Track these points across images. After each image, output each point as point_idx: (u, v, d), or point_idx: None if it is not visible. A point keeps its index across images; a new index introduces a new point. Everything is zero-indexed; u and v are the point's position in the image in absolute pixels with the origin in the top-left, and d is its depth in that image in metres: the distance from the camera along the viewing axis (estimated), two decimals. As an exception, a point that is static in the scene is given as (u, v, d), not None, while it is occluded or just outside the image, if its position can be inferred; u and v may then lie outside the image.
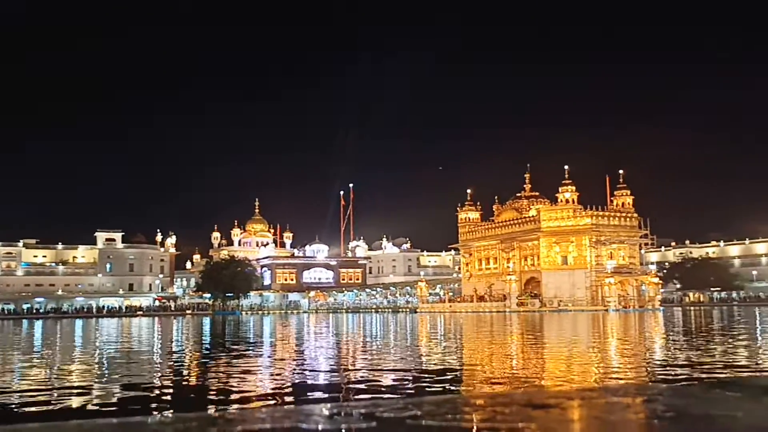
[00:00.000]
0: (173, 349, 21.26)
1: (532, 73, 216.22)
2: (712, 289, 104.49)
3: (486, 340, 23.50)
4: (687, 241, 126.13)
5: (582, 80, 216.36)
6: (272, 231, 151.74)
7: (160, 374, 13.05)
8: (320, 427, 1.66)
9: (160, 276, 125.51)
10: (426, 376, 11.52)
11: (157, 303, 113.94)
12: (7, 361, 17.19)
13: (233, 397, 9.34)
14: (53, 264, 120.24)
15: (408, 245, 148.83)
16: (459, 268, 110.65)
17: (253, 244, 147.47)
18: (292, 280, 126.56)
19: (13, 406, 8.59)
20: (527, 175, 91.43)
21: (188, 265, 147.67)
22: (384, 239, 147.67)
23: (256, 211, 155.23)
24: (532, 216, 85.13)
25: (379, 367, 13.13)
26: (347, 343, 22.70)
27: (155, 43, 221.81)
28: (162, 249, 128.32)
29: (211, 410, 7.77)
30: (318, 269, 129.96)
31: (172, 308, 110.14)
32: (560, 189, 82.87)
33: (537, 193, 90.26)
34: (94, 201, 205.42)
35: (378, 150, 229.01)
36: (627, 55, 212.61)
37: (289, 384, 10.87)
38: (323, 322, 48.75)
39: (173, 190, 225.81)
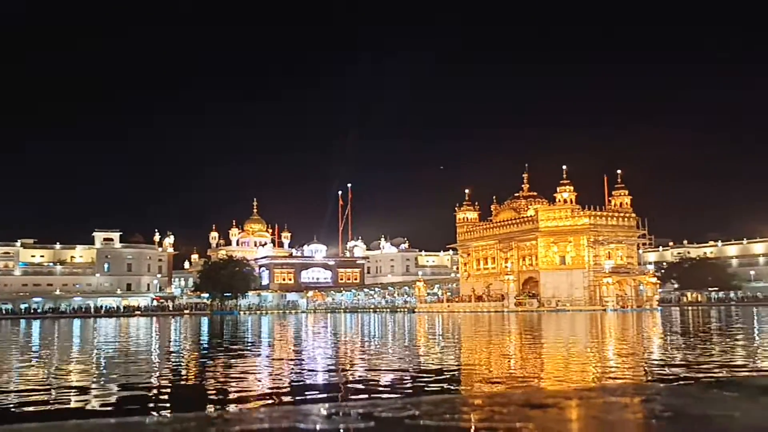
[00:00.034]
0: (171, 349, 21.24)
1: (532, 73, 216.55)
2: (709, 289, 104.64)
3: (484, 340, 23.51)
4: (685, 241, 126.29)
5: (582, 80, 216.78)
6: (270, 231, 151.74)
7: (158, 374, 13.04)
8: (318, 427, 1.66)
9: (158, 276, 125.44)
10: (424, 376, 11.52)
11: (155, 303, 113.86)
12: (5, 361, 17.16)
13: (231, 397, 9.33)
14: (51, 264, 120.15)
15: (406, 245, 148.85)
16: (457, 268, 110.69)
17: (251, 243, 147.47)
18: (290, 280, 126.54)
19: (11, 406, 8.58)
20: (525, 175, 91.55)
21: (186, 265, 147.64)
22: (382, 239, 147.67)
23: (254, 210, 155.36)
24: (530, 216, 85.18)
25: (377, 367, 13.13)
26: (345, 343, 22.70)
27: (155, 43, 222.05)
28: (160, 249, 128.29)
29: (210, 410, 7.77)
30: (316, 269, 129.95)
31: (170, 308, 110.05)
32: (558, 189, 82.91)
33: (535, 193, 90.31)
34: (94, 201, 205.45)
35: (378, 150, 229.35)
36: (627, 55, 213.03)
37: (287, 384, 10.87)
38: (321, 322, 48.74)
39: (173, 190, 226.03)
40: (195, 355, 18.38)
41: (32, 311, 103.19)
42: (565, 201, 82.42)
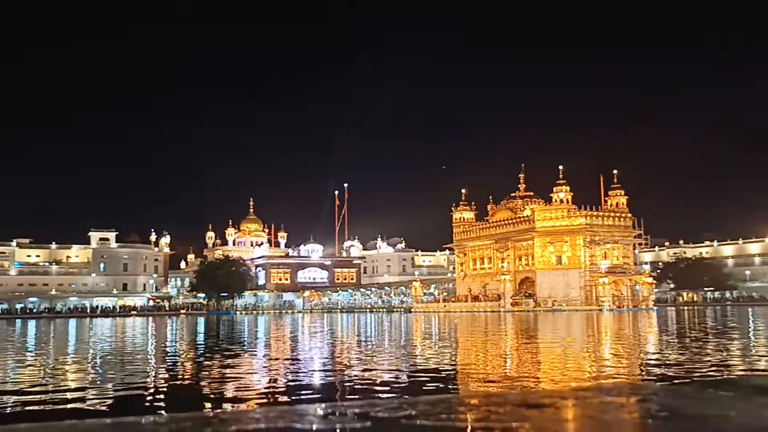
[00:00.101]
0: (167, 349, 21.21)
1: (532, 73, 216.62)
2: (705, 289, 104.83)
3: (480, 339, 23.53)
4: (681, 241, 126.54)
5: (582, 80, 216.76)
6: (267, 231, 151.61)
7: (154, 374, 13.02)
8: (315, 427, 1.66)
9: (155, 276, 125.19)
10: (420, 375, 11.52)
11: (151, 303, 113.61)
12: (0, 362, 17.11)
13: (227, 397, 9.33)
14: (47, 264, 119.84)
15: (402, 245, 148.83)
16: (453, 268, 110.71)
17: (248, 243, 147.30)
18: (286, 279, 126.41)
19: (6, 406, 8.55)
20: (521, 175, 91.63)
21: (182, 264, 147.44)
22: (379, 239, 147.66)
23: (251, 210, 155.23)
24: (527, 216, 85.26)
25: (374, 367, 13.13)
26: (342, 343, 22.69)
27: (155, 43, 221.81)
28: (156, 249, 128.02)
29: (206, 410, 7.76)
30: (312, 269, 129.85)
31: (167, 308, 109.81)
32: (554, 189, 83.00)
33: (531, 193, 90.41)
34: (94, 201, 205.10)
35: (378, 150, 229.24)
36: (627, 55, 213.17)
37: (283, 384, 10.86)
38: (318, 322, 48.72)
39: (173, 190, 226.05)
40: (191, 355, 18.35)
41: (28, 311, 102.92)
42: (561, 201, 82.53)
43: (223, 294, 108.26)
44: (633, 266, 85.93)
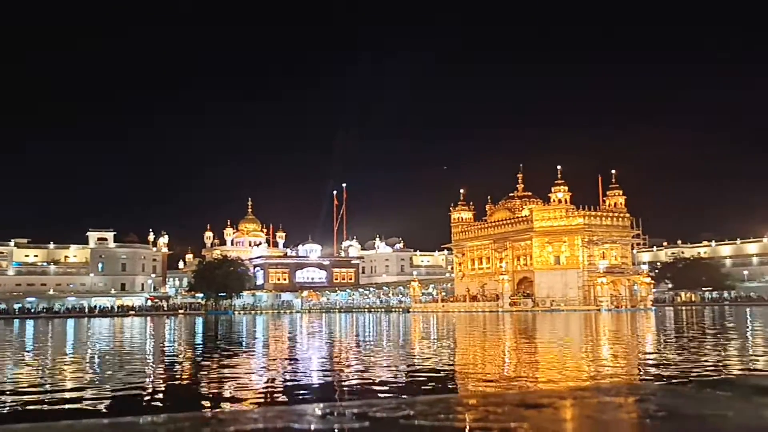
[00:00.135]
0: (165, 349, 21.20)
1: (532, 73, 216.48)
2: (703, 288, 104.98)
3: (478, 339, 23.53)
4: (679, 241, 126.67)
5: (582, 80, 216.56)
6: (265, 231, 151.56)
7: (152, 374, 13.01)
8: (313, 427, 1.66)
9: (153, 276, 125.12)
10: (418, 375, 11.52)
11: (149, 303, 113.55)
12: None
13: (226, 397, 9.32)
14: (45, 263, 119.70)
15: (401, 245, 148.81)
16: (452, 268, 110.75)
17: (246, 243, 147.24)
18: (284, 279, 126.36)
19: (4, 406, 8.54)
20: (520, 175, 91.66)
21: (181, 264, 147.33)
22: (377, 239, 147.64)
23: (249, 210, 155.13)
24: (525, 216, 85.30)
25: (372, 367, 13.13)
26: (340, 343, 22.69)
27: (155, 43, 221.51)
28: (154, 248, 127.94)
29: (204, 410, 7.75)
30: (311, 269, 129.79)
31: (165, 308, 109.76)
32: (553, 189, 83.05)
33: (530, 193, 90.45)
34: (94, 201, 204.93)
35: (378, 150, 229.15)
36: (627, 55, 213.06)
37: (281, 384, 10.86)
38: (316, 322, 48.71)
39: (173, 190, 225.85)
40: (189, 355, 18.34)
41: (26, 311, 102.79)
42: (559, 201, 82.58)
43: (222, 294, 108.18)
44: (631, 266, 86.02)
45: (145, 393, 9.87)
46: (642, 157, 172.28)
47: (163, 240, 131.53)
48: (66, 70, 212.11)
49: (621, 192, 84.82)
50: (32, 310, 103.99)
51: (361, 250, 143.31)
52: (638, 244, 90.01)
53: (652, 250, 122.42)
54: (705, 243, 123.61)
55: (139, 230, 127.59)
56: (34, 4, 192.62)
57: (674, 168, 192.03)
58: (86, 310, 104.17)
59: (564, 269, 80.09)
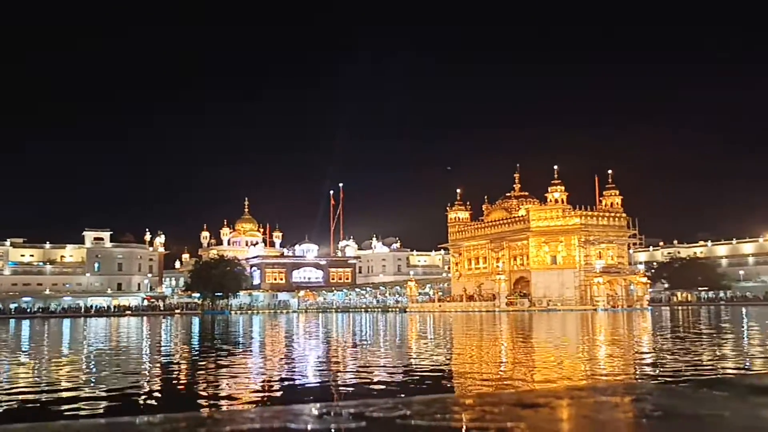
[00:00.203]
0: (161, 349, 21.17)
1: (532, 73, 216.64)
2: (699, 288, 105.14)
3: (475, 339, 23.55)
4: (675, 241, 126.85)
5: (582, 80, 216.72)
6: (262, 230, 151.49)
7: (148, 374, 12.99)
8: (310, 426, 1.66)
9: (149, 275, 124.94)
10: (415, 375, 11.52)
11: (145, 302, 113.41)
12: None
13: (222, 396, 9.31)
14: (41, 263, 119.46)
15: (398, 245, 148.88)
16: (448, 268, 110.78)
17: (243, 243, 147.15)
18: (281, 279, 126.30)
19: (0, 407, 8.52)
20: (516, 175, 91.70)
21: (177, 264, 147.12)
22: (374, 239, 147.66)
23: (246, 210, 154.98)
24: (522, 216, 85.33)
25: (369, 367, 13.13)
26: (337, 343, 22.70)
27: (155, 43, 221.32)
28: (151, 248, 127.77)
29: (200, 410, 7.74)
30: (307, 269, 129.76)
31: (161, 308, 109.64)
32: (549, 189, 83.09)
33: (526, 193, 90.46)
34: (94, 201, 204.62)
35: (377, 150, 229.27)
36: (627, 55, 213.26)
37: (278, 384, 10.85)
38: (312, 321, 48.69)
39: (173, 190, 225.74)
40: (185, 355, 18.32)
41: (22, 311, 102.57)
42: (556, 201, 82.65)
43: (218, 294, 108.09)
44: (627, 266, 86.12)
45: (141, 393, 9.85)
46: (640, 157, 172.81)
47: (160, 240, 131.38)
48: (66, 70, 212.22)
49: (617, 192, 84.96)
50: (28, 310, 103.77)
51: (358, 249, 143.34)
52: (635, 243, 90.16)
53: (649, 250, 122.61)
54: (701, 243, 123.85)
55: (137, 230, 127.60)
56: (34, 4, 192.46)
57: (671, 168, 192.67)
58: (82, 310, 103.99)
59: (560, 269, 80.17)
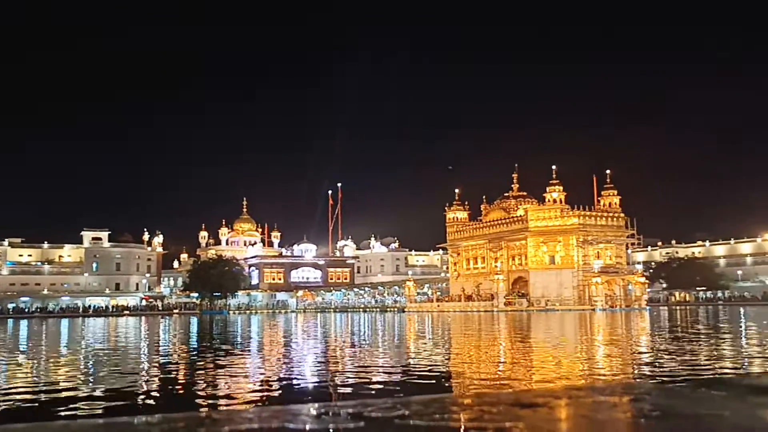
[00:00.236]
0: (159, 349, 21.16)
1: (532, 73, 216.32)
2: (697, 288, 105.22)
3: (473, 339, 23.55)
4: (673, 241, 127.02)
5: (582, 80, 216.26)
6: (260, 230, 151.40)
7: (146, 374, 12.98)
8: (308, 426, 1.66)
9: (147, 275, 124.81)
10: (414, 375, 11.52)
11: (144, 302, 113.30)
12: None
13: (220, 396, 9.31)
14: (39, 263, 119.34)
15: (396, 245, 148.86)
16: (447, 268, 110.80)
17: (241, 243, 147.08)
18: (279, 279, 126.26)
19: (-2, 406, 8.51)
20: (515, 175, 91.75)
21: (175, 264, 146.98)
22: (372, 239, 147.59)
23: (244, 210, 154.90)
24: (520, 216, 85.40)
25: (367, 367, 13.13)
26: (335, 343, 22.69)
27: (155, 43, 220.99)
28: (149, 248, 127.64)
29: (198, 410, 7.74)
30: (306, 269, 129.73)
31: (159, 308, 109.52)
32: (548, 189, 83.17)
33: (525, 193, 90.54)
34: (94, 201, 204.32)
35: (377, 150, 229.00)
36: (627, 55, 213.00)
37: (276, 384, 10.84)
38: (311, 321, 48.68)
39: (172, 190, 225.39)
40: (183, 355, 18.31)
41: (20, 311, 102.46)
42: (554, 201, 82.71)
43: (216, 294, 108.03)
44: (626, 266, 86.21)
45: (139, 393, 9.85)
46: (639, 157, 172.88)
47: (158, 239, 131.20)
48: (66, 70, 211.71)
49: (615, 192, 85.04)
50: (26, 310, 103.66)
51: (357, 249, 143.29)
52: (633, 243, 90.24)
53: (647, 250, 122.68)
54: (699, 243, 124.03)
55: (135, 230, 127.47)
56: (34, 4, 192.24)
57: (670, 168, 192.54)
58: (80, 310, 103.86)
59: (559, 269, 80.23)
